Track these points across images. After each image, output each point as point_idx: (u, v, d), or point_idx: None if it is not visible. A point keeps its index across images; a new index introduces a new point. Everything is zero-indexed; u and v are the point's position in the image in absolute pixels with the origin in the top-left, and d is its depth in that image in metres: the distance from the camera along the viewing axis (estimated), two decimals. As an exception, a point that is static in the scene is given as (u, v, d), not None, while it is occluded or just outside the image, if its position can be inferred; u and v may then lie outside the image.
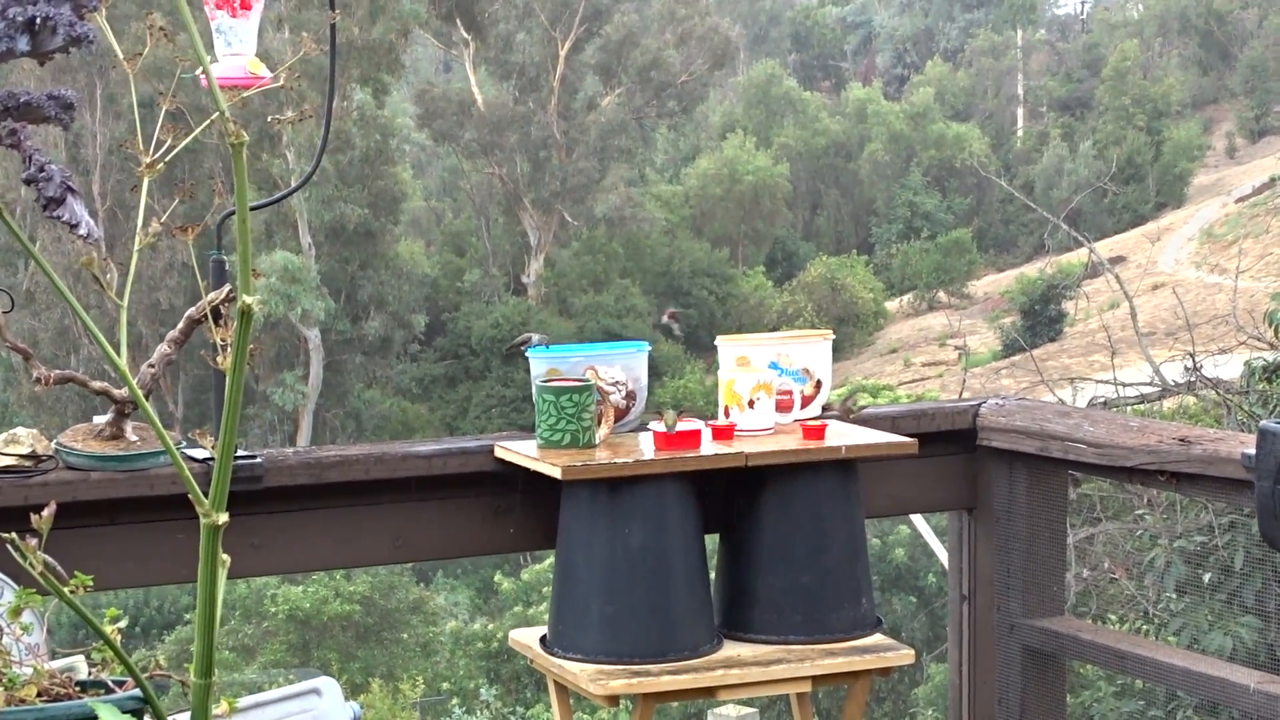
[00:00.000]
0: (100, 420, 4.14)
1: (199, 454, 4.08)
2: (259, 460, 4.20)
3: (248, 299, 1.83)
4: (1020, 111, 79.29)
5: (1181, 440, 4.31)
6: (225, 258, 4.27)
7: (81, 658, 2.76)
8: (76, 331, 42.62)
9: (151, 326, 41.15)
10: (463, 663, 25.08)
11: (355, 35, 43.68)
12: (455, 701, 24.00)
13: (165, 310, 41.51)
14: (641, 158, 61.14)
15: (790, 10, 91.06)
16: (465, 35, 54.37)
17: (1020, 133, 76.85)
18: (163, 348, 4.04)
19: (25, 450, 4.03)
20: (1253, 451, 3.76)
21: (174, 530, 4.11)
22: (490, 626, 25.21)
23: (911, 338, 56.59)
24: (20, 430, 4.07)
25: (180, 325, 4.06)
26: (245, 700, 3.57)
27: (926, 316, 59.28)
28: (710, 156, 64.25)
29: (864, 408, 4.90)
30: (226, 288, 4.15)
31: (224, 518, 1.83)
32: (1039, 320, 48.86)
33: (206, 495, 1.83)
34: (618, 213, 54.12)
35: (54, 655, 3.18)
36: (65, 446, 4.07)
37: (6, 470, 4.03)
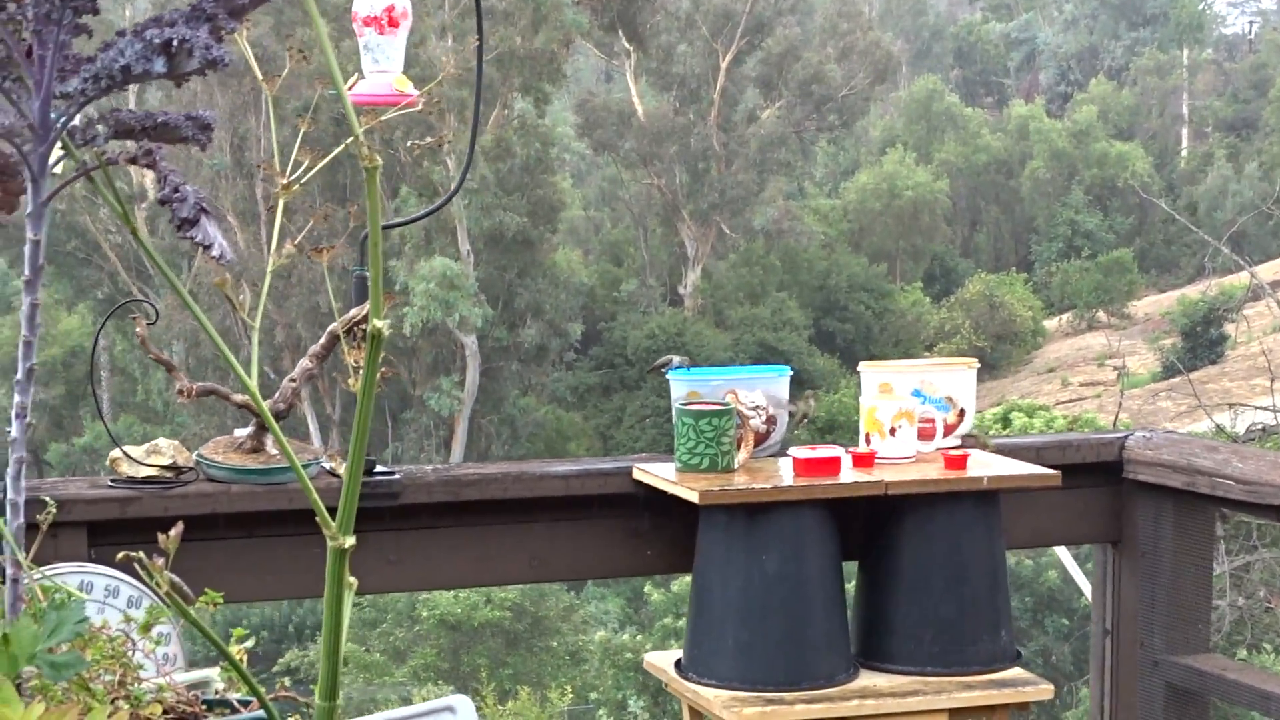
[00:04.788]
0: (241, 433, 4.16)
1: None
2: (398, 477, 4.21)
3: (378, 323, 1.82)
4: (1185, 131, 78.25)
5: (1333, 479, 4.23)
6: (368, 274, 4.28)
7: (216, 670, 2.76)
8: (232, 338, 43.09)
9: (310, 330, 41.55)
10: (611, 673, 25.07)
11: (518, 45, 43.84)
12: (602, 712, 24.01)
13: (324, 314, 41.82)
14: (800, 171, 60.91)
15: (953, 26, 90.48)
16: (627, 46, 54.43)
17: (1185, 153, 75.85)
18: (304, 363, 4.05)
19: (166, 461, 4.05)
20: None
21: (311, 544, 4.12)
22: (639, 638, 25.19)
23: (1070, 357, 56.00)
24: (162, 441, 4.10)
25: (322, 340, 4.08)
26: (378, 717, 3.57)
27: (1085, 336, 58.64)
28: (870, 171, 63.93)
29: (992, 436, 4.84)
30: (367, 305, 4.17)
31: (350, 541, 1.82)
32: (1200, 343, 48.21)
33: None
34: (776, 225, 53.96)
35: (192, 666, 3.20)
36: (206, 459, 4.08)
37: (148, 480, 4.05)
